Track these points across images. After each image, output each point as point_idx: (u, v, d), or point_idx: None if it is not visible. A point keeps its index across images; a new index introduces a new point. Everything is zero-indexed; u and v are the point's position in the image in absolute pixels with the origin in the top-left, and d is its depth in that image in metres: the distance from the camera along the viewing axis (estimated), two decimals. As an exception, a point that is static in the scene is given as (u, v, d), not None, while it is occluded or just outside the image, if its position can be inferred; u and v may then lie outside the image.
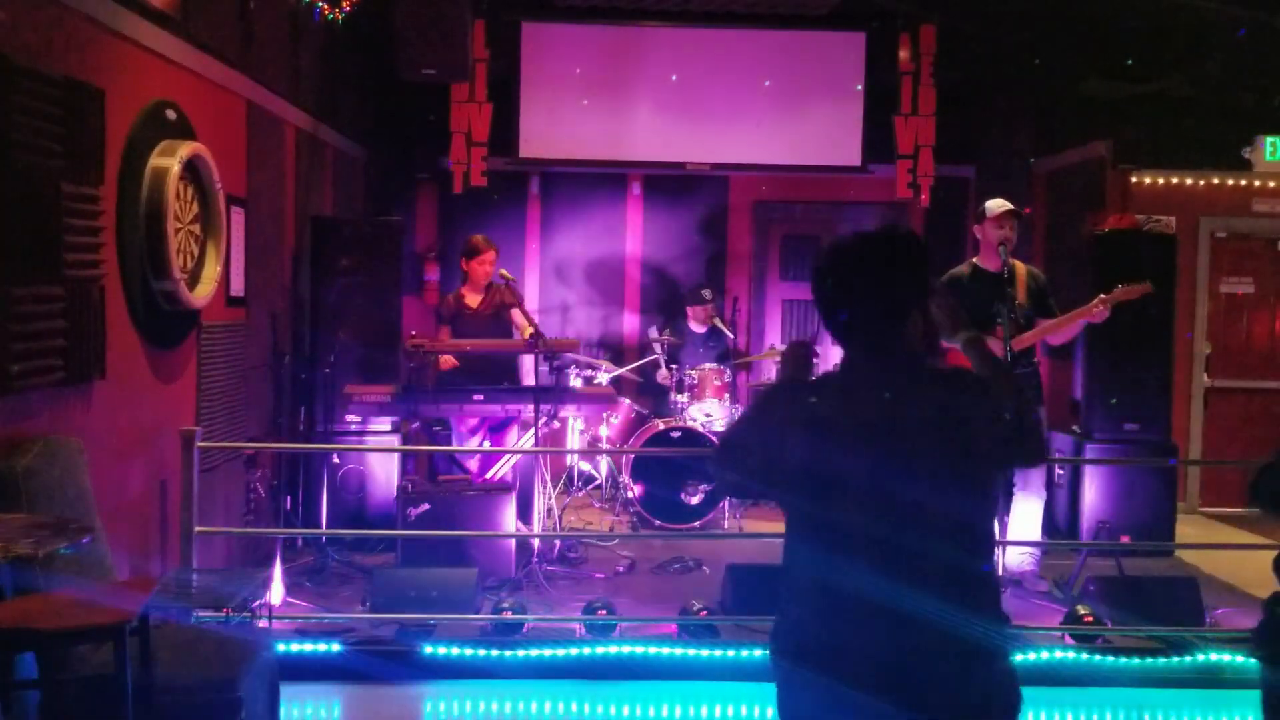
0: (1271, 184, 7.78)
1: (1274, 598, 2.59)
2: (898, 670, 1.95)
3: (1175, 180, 7.82)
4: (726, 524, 6.82)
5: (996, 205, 5.30)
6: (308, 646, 4.36)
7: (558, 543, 5.90)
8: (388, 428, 6.29)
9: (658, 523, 6.67)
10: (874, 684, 1.94)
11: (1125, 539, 6.25)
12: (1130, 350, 6.49)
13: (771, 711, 4.24)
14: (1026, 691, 2.06)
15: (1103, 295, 5.28)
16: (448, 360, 6.17)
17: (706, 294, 7.57)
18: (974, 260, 5.42)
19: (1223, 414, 7.97)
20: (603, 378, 7.10)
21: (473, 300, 6.31)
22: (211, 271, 4.76)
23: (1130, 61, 7.05)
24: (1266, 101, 7.13)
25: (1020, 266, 5.37)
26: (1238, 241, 7.98)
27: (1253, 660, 4.48)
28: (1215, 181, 7.81)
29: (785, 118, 8.14)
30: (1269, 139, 7.54)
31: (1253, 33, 6.40)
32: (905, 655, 1.94)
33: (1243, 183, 7.79)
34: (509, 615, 4.61)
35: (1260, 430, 7.88)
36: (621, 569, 5.85)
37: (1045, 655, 4.50)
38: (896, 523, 1.97)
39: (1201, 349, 7.93)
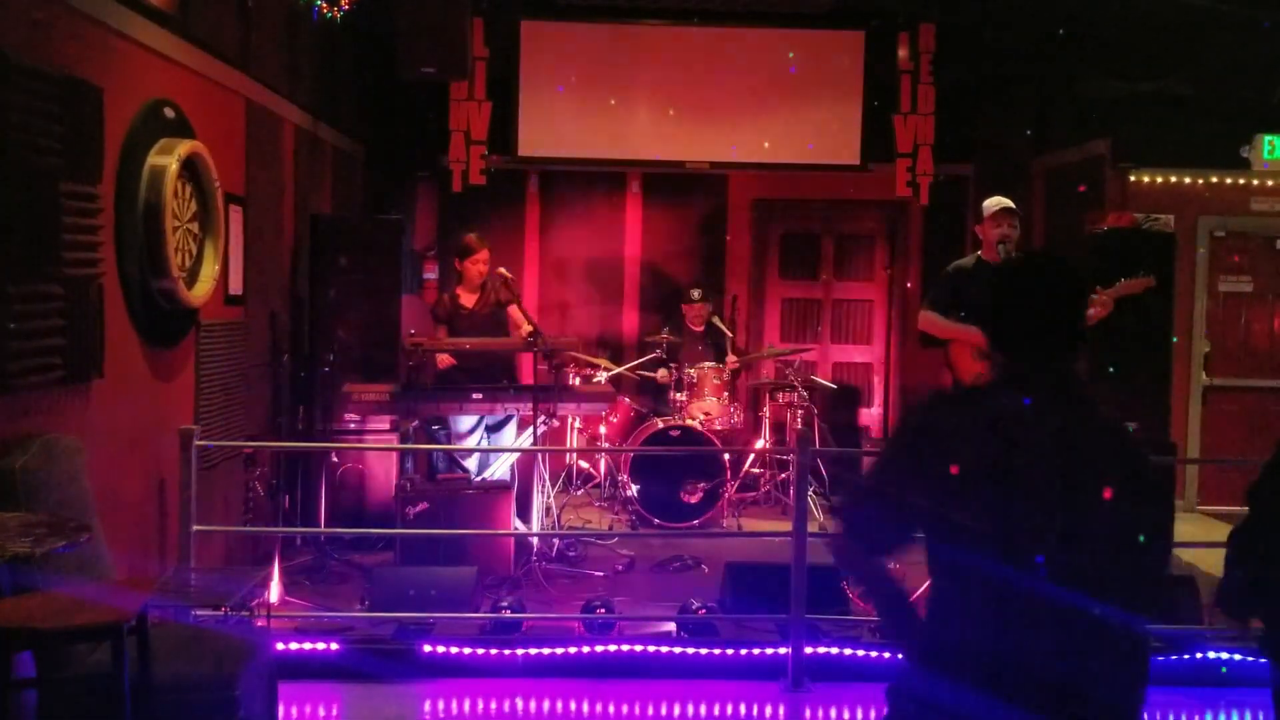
0: (1270, 182, 7.77)
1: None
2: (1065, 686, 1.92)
3: (1174, 179, 7.82)
4: (725, 523, 6.82)
5: (994, 203, 5.29)
6: (306, 645, 4.35)
7: (557, 541, 5.90)
8: (386, 426, 6.29)
9: (657, 521, 6.67)
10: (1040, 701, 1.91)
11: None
12: (1129, 348, 6.49)
13: (770, 710, 4.26)
14: None
15: (1100, 289, 5.28)
16: (444, 360, 6.16)
17: (695, 294, 7.55)
18: (979, 254, 5.42)
19: (1221, 412, 7.97)
20: (601, 376, 7.10)
21: (468, 300, 6.30)
22: (210, 270, 4.75)
23: (1129, 60, 7.05)
24: (1265, 100, 7.13)
25: None
26: (1236, 240, 7.98)
27: (1257, 657, 4.49)
28: (1214, 180, 7.81)
29: (784, 116, 8.13)
30: (1267, 137, 7.54)
31: (1251, 31, 6.40)
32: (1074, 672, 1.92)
33: (1241, 181, 7.79)
34: (508, 614, 4.60)
35: (1259, 429, 7.88)
36: (620, 567, 5.85)
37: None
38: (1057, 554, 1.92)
39: (1200, 347, 7.93)
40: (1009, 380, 2.05)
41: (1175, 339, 7.68)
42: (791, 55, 8.12)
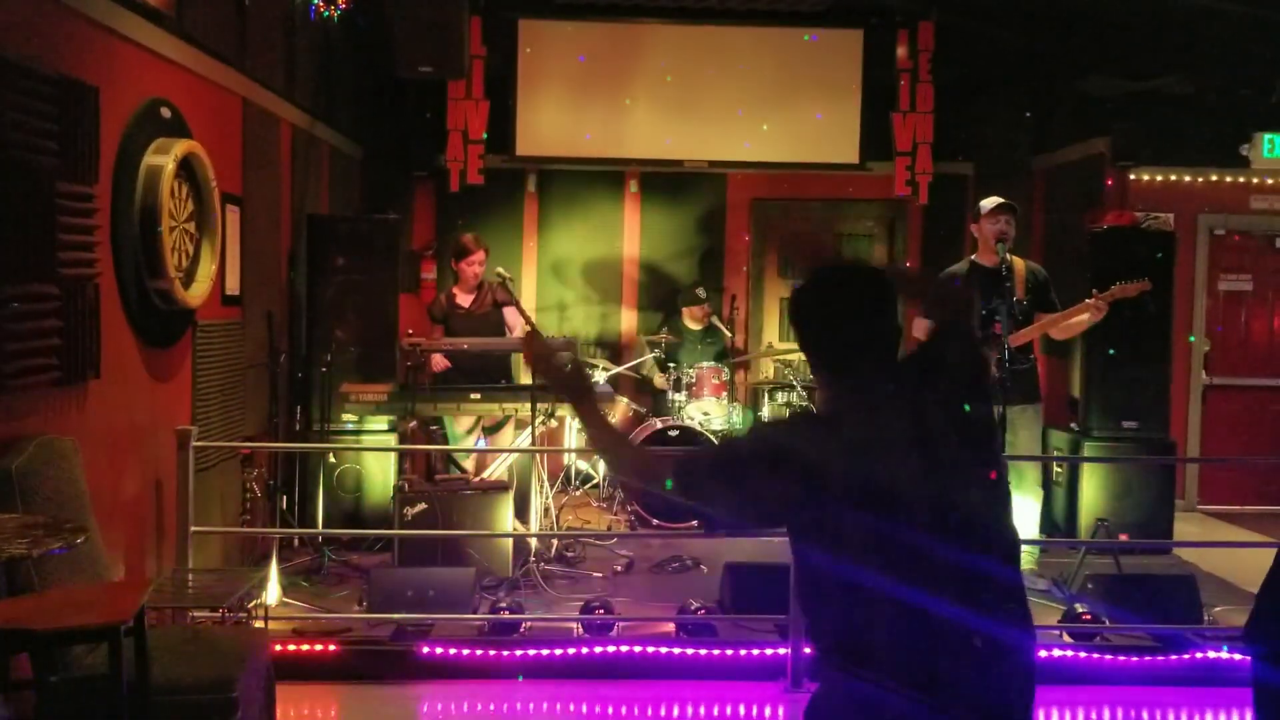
0: (1270, 181, 7.77)
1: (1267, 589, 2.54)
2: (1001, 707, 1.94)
3: (1174, 177, 7.81)
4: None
5: (990, 202, 5.30)
6: (304, 646, 4.35)
7: (555, 542, 5.89)
8: (384, 427, 6.28)
9: (655, 522, 6.66)
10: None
11: (1124, 537, 6.24)
12: (1129, 347, 6.48)
13: (769, 711, 4.25)
14: None
15: (1096, 292, 5.28)
16: (439, 361, 6.14)
17: (701, 293, 7.56)
18: (972, 257, 5.42)
19: (1221, 411, 7.97)
20: (600, 376, 7.09)
21: (464, 300, 6.29)
22: (207, 270, 4.74)
23: (1129, 58, 7.04)
24: (1264, 98, 7.12)
25: (1019, 262, 5.37)
26: (1236, 238, 7.97)
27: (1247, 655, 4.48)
28: (1213, 178, 7.81)
29: (783, 115, 8.13)
30: (1267, 136, 7.53)
31: (1250, 30, 6.39)
32: (1007, 690, 1.95)
33: (1241, 180, 7.79)
34: (506, 615, 4.60)
35: (1259, 427, 7.88)
36: (619, 568, 5.84)
37: (1043, 653, 4.49)
38: (957, 538, 1.94)
39: (1200, 346, 7.92)
40: (854, 398, 2.06)
41: (1193, 338, 7.69)
42: (789, 54, 8.11)
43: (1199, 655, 4.51)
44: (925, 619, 1.90)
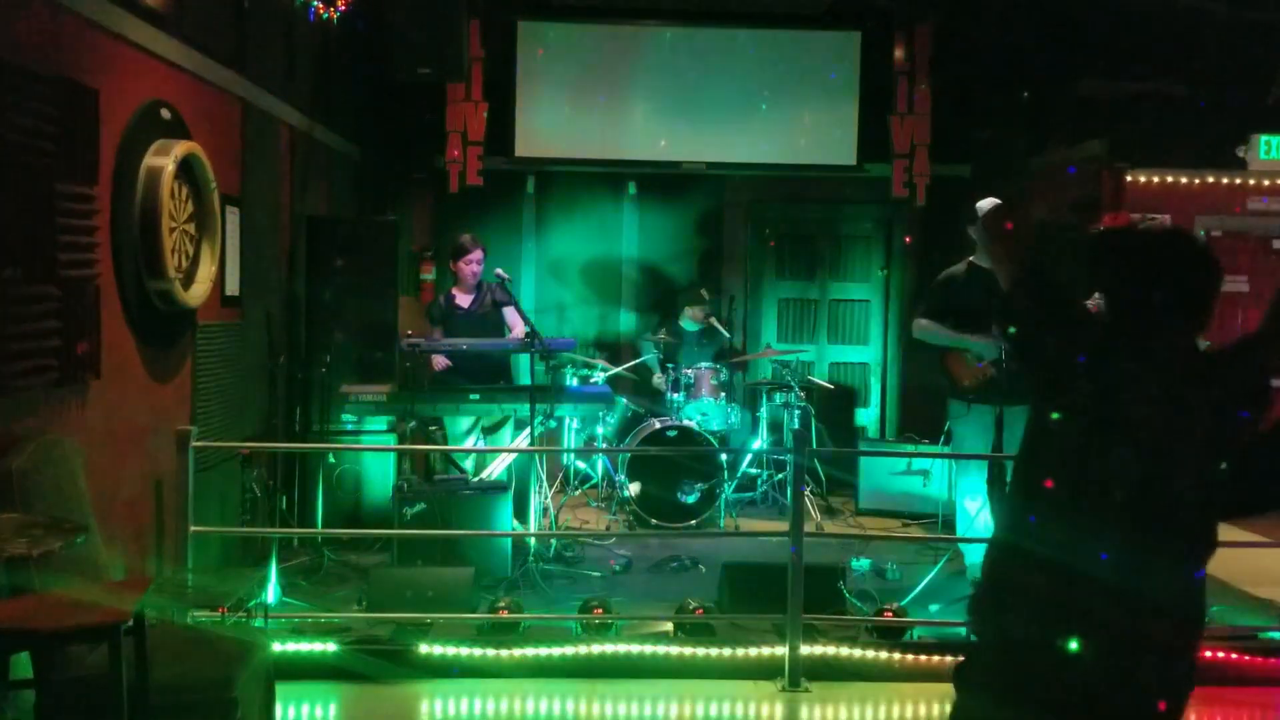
0: (1266, 182, 7.79)
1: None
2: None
3: (1170, 179, 7.83)
4: (722, 523, 6.83)
5: (986, 203, 5.30)
6: (304, 646, 4.36)
7: (554, 542, 5.90)
8: (384, 427, 6.29)
9: (654, 522, 6.67)
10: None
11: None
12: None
13: (766, 710, 4.26)
14: None
15: (1099, 294, 5.28)
16: (439, 361, 6.16)
17: (704, 293, 7.59)
18: (970, 259, 5.43)
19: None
20: (599, 377, 7.10)
21: (463, 300, 6.30)
22: (206, 271, 4.75)
23: (1125, 60, 7.06)
24: (1260, 100, 7.14)
25: None
26: (1232, 240, 7.99)
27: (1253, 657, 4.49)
28: (1210, 180, 7.82)
29: (781, 117, 8.15)
30: (1263, 138, 7.55)
31: (1247, 32, 6.41)
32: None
33: (1237, 181, 7.80)
34: (505, 614, 4.61)
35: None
36: (618, 568, 5.85)
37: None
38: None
39: (1198, 346, 7.93)
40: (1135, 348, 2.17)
41: (1207, 344, 7.70)
42: (787, 56, 8.13)
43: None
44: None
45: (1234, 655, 4.52)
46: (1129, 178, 7.77)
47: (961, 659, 2.29)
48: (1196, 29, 6.62)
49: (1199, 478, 2.08)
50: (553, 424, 6.12)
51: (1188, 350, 2.19)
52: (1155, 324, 2.17)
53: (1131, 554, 2.03)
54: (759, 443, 7.40)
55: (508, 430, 6.17)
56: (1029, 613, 2.08)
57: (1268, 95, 7.02)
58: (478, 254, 6.24)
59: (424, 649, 4.40)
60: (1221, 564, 6.33)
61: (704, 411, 7.03)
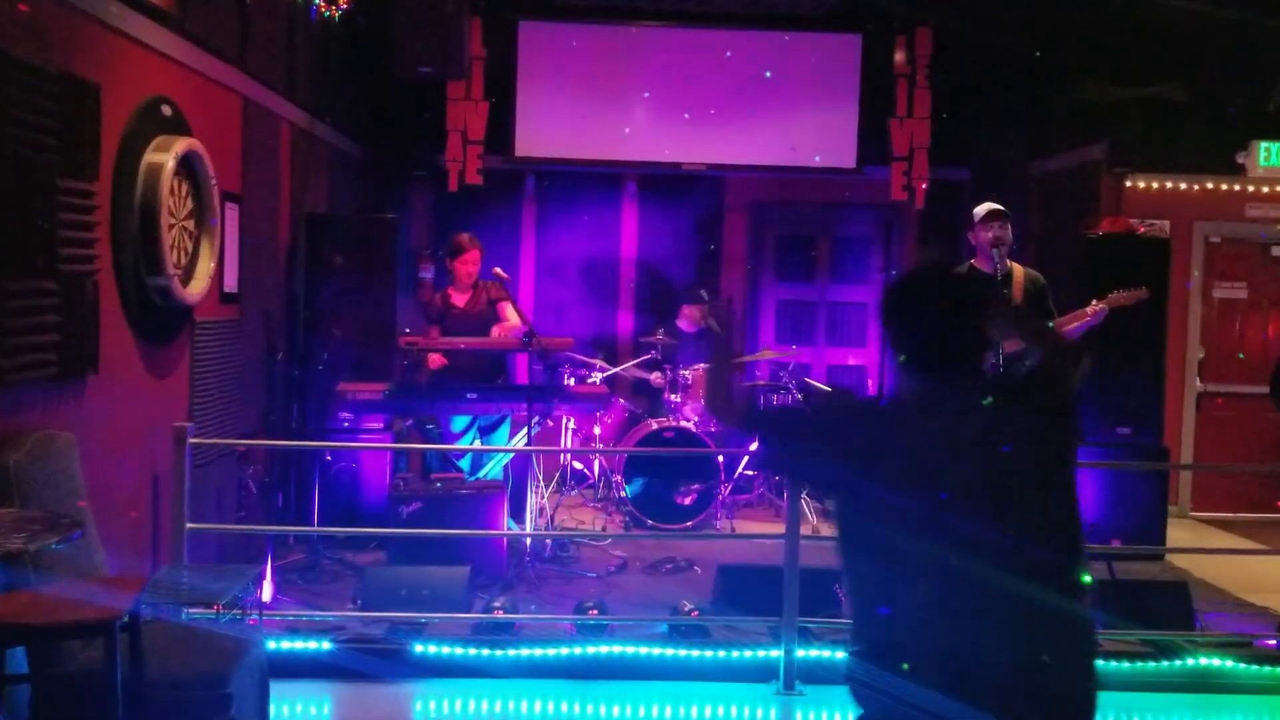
0: (1265, 189, 7.80)
1: None
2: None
3: (1169, 185, 7.84)
4: (718, 525, 6.83)
5: (983, 208, 5.30)
6: (298, 644, 4.35)
7: (549, 542, 5.90)
8: (380, 426, 6.29)
9: (650, 522, 6.67)
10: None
11: (1116, 543, 6.27)
12: (1123, 354, 6.50)
13: (761, 713, 4.27)
14: None
15: (1096, 300, 5.30)
16: (436, 359, 6.15)
17: (704, 294, 7.58)
18: (970, 262, 5.43)
19: (1215, 418, 7.99)
20: (596, 377, 7.10)
21: (460, 299, 6.30)
22: (205, 268, 4.75)
23: (1126, 65, 7.06)
24: (1261, 106, 7.14)
25: (1018, 269, 5.38)
26: (1231, 246, 8.00)
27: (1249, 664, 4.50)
28: (1209, 186, 7.83)
29: (781, 119, 8.15)
30: (1263, 144, 7.56)
31: (1247, 38, 6.42)
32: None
33: (1236, 188, 7.81)
34: (500, 614, 4.61)
35: (1252, 434, 7.90)
36: (613, 569, 5.85)
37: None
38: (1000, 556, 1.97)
39: (1195, 353, 7.95)
40: (923, 398, 2.12)
41: (1241, 355, 7.73)
42: (788, 58, 8.13)
43: (1191, 662, 4.53)
44: (946, 613, 1.95)
45: (1230, 663, 4.52)
46: (1128, 183, 7.78)
47: None
48: (1197, 34, 6.62)
49: (1045, 523, 2.02)
50: (549, 423, 6.13)
51: (978, 395, 2.12)
52: (936, 358, 2.11)
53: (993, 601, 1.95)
54: (756, 445, 7.39)
55: (505, 429, 6.17)
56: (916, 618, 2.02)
57: (1269, 102, 7.02)
58: (475, 254, 6.24)
59: (419, 648, 4.40)
60: (1217, 571, 6.38)
61: (701, 412, 7.03)
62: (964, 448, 2.00)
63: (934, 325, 2.11)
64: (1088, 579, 2.06)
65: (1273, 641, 4.79)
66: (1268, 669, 4.56)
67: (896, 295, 2.19)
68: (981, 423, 2.03)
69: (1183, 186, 7.85)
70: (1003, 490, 1.99)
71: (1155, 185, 7.83)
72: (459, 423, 6.14)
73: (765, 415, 2.21)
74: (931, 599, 1.96)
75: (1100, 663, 2.10)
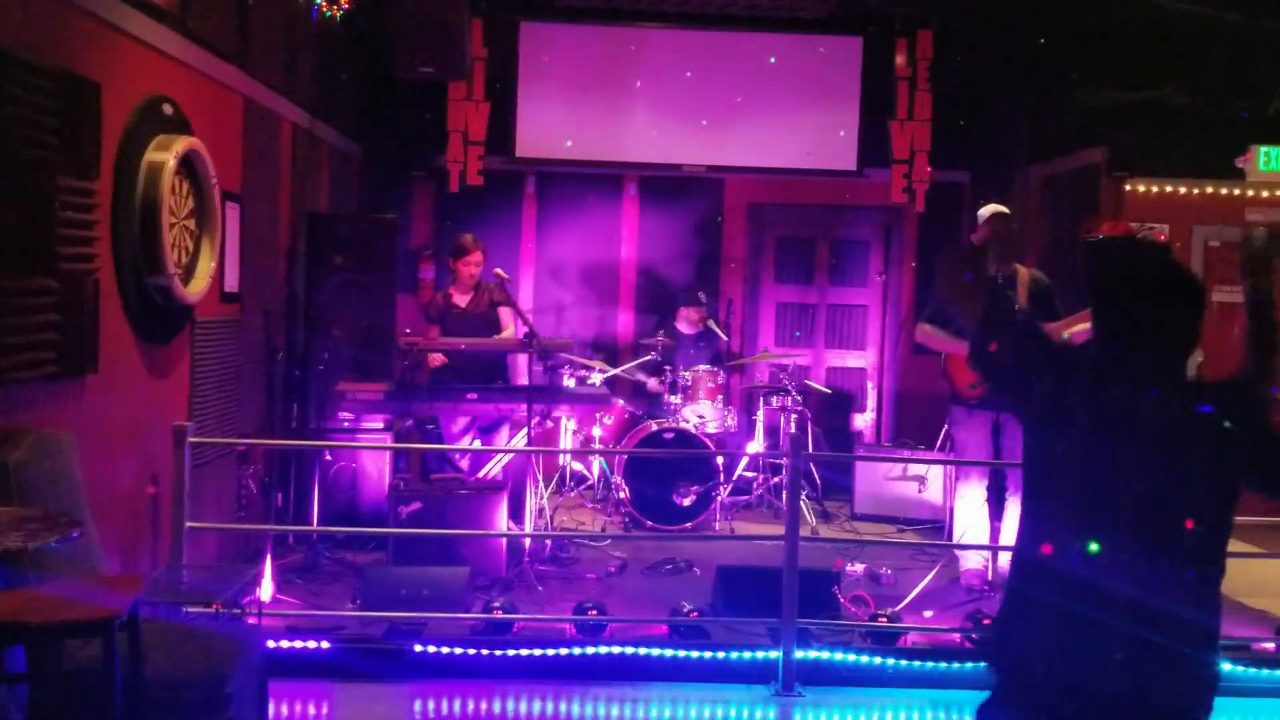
0: (1265, 193, 7.80)
1: None
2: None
3: (1169, 189, 7.84)
4: (718, 526, 6.83)
5: (986, 210, 5.32)
6: (297, 644, 4.35)
7: (549, 543, 5.90)
8: (380, 426, 6.29)
9: (649, 524, 6.67)
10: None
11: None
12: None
13: (760, 714, 4.26)
14: None
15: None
16: (436, 359, 6.16)
17: (702, 296, 7.59)
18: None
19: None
20: (596, 378, 7.10)
21: (461, 300, 6.30)
22: (206, 267, 4.75)
23: (1126, 69, 7.07)
24: (1261, 111, 7.15)
25: (1023, 270, 5.39)
26: (1230, 250, 8.00)
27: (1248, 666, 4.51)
28: (1209, 190, 7.84)
29: (782, 121, 8.15)
30: (1263, 149, 7.56)
31: (1248, 42, 6.42)
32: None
33: (1236, 192, 7.81)
34: (499, 615, 4.60)
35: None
36: (613, 569, 5.85)
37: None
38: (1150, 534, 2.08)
39: (1194, 357, 7.94)
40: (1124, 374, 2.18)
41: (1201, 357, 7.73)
42: (789, 60, 8.14)
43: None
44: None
45: (1227, 666, 4.52)
46: (1128, 187, 7.79)
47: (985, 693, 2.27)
48: (1197, 39, 6.62)
49: (1200, 492, 2.08)
50: (549, 424, 6.13)
51: (1178, 371, 2.20)
52: (1144, 339, 2.16)
53: (1142, 567, 2.03)
54: (755, 446, 7.41)
55: (505, 430, 6.17)
56: (1048, 636, 2.09)
57: (1269, 106, 7.03)
58: (477, 255, 6.24)
59: (418, 648, 4.40)
60: (1216, 574, 6.27)
61: (701, 414, 7.04)
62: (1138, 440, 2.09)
63: (1166, 305, 2.17)
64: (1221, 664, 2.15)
65: (1271, 645, 4.79)
66: (1266, 672, 4.56)
67: (1132, 267, 2.25)
68: (1164, 422, 2.10)
69: (1183, 190, 7.85)
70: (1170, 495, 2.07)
71: (1155, 189, 7.83)
72: (459, 423, 6.14)
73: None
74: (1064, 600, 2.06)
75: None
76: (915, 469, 7.15)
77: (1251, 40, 6.43)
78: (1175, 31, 6.61)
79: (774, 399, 7.37)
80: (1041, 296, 5.38)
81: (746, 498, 7.40)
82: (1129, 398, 2.10)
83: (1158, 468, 2.06)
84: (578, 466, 7.47)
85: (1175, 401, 2.12)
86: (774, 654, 4.43)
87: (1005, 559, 5.40)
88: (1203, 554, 2.11)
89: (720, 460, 6.87)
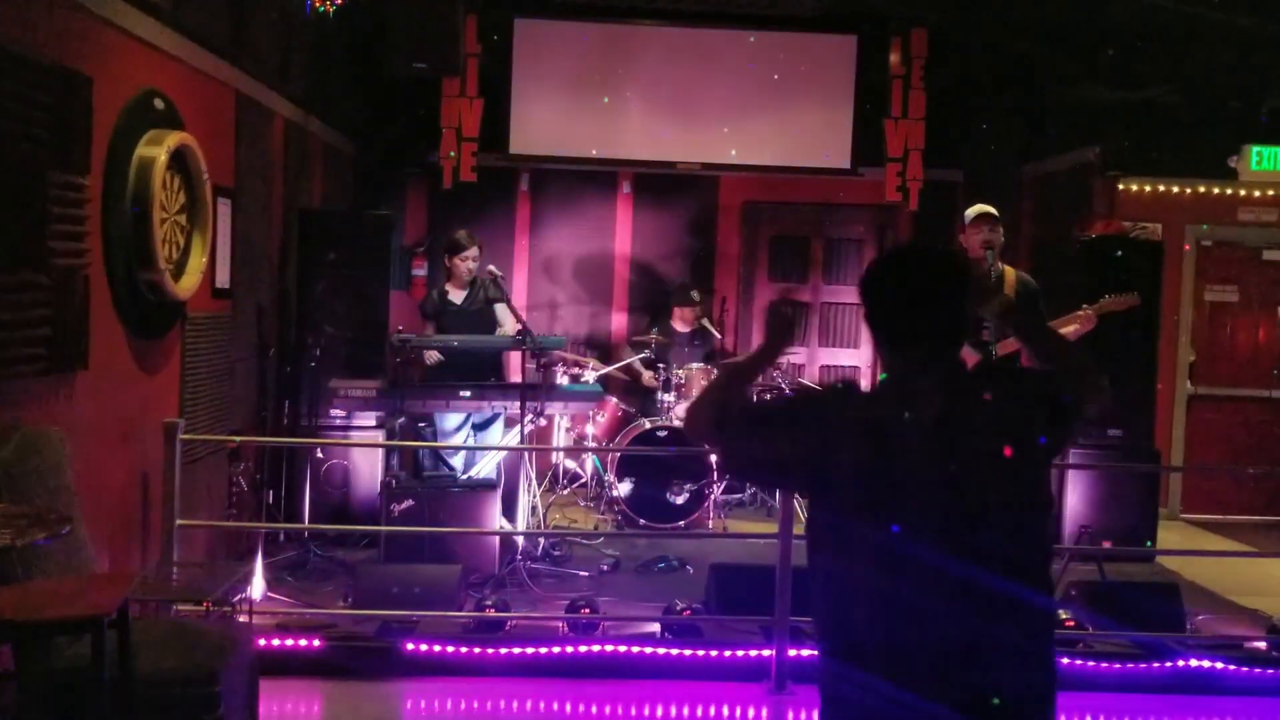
0: (1257, 193, 7.82)
1: None
2: (959, 671, 1.92)
3: (1162, 188, 7.86)
4: (711, 524, 6.82)
5: (973, 211, 5.29)
6: (288, 642, 4.34)
7: (542, 541, 5.88)
8: (373, 423, 6.27)
9: (642, 522, 6.66)
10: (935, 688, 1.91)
11: (1107, 544, 6.27)
12: (1114, 356, 6.50)
13: (752, 712, 4.26)
14: None
15: (1086, 305, 5.30)
16: (431, 356, 6.14)
17: (695, 296, 7.58)
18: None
19: (1205, 421, 8.01)
20: (589, 376, 7.09)
21: (457, 296, 6.28)
22: (197, 263, 4.73)
23: (1120, 69, 7.07)
24: (1254, 111, 7.17)
25: (1010, 271, 5.38)
26: (1223, 249, 8.02)
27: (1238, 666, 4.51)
28: (1201, 190, 7.86)
29: (776, 119, 8.14)
30: (1255, 148, 7.58)
31: (1241, 42, 6.43)
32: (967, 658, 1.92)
33: (1229, 191, 7.83)
34: (492, 613, 4.60)
35: (1242, 437, 7.93)
36: (606, 567, 5.84)
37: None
38: (957, 537, 1.93)
39: (1185, 355, 7.97)
40: (896, 376, 2.08)
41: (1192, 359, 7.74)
42: (783, 58, 8.13)
43: (1181, 663, 4.54)
44: (907, 613, 1.91)
45: (1219, 665, 4.53)
46: (1121, 186, 7.80)
47: None
48: (1191, 38, 6.63)
49: (1008, 510, 1.96)
50: (542, 421, 6.12)
51: (957, 374, 2.06)
52: (912, 332, 2.05)
53: (962, 606, 1.91)
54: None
55: (498, 428, 6.16)
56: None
57: (1261, 106, 7.04)
58: (474, 251, 6.23)
59: (409, 646, 4.39)
60: (1207, 573, 6.38)
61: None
62: (927, 435, 1.95)
63: (913, 297, 2.05)
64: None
65: (1262, 644, 4.80)
66: (1257, 671, 4.57)
67: (878, 267, 2.13)
68: (955, 407, 1.98)
69: (1175, 189, 7.87)
70: (970, 488, 1.94)
71: (1148, 188, 7.85)
72: (452, 420, 6.12)
73: (735, 412, 2.13)
74: (883, 585, 1.93)
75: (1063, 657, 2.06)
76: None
77: (1244, 40, 6.44)
78: (1168, 31, 6.62)
79: (766, 397, 7.37)
80: (1028, 298, 5.38)
81: (740, 496, 7.40)
82: (907, 429, 1.96)
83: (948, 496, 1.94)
84: (571, 464, 7.46)
85: (960, 391, 2.01)
86: (767, 652, 4.43)
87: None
88: (1020, 571, 1.98)
89: (713, 458, 6.87)
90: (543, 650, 4.44)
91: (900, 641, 1.93)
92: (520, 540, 5.58)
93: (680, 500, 6.72)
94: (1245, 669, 4.57)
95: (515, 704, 4.22)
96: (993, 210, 5.27)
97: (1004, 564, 1.94)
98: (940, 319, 2.05)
